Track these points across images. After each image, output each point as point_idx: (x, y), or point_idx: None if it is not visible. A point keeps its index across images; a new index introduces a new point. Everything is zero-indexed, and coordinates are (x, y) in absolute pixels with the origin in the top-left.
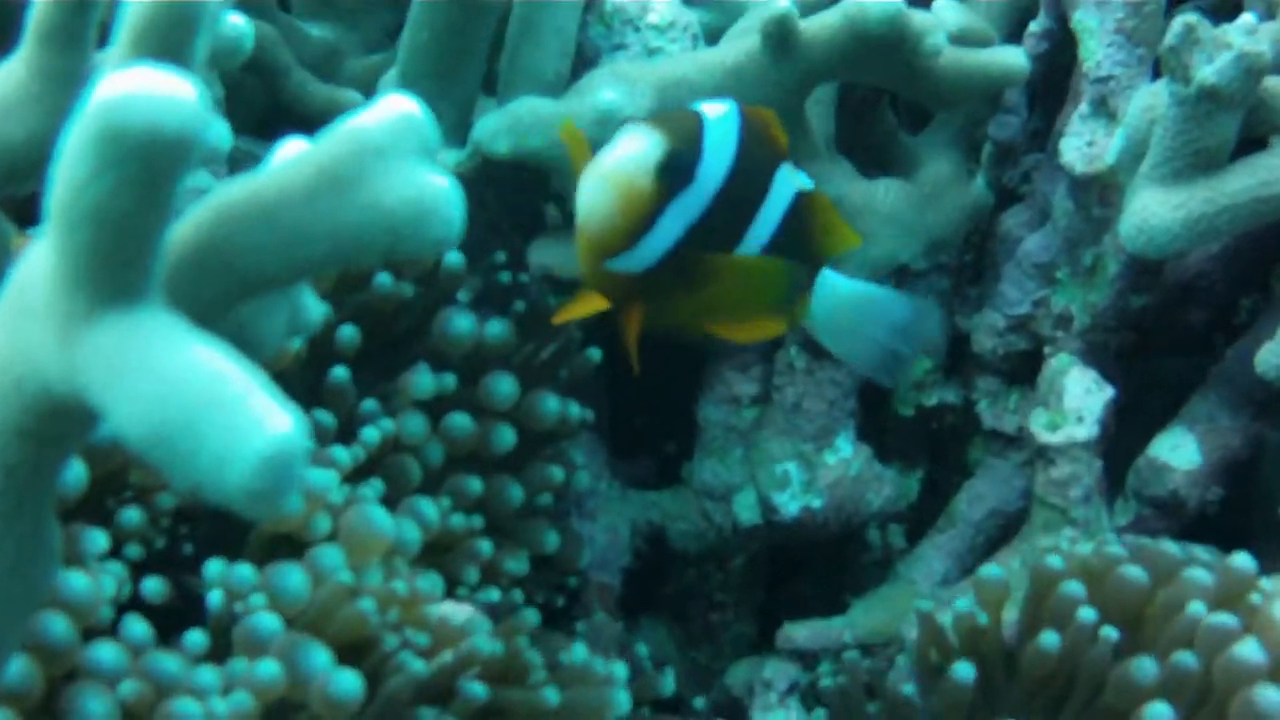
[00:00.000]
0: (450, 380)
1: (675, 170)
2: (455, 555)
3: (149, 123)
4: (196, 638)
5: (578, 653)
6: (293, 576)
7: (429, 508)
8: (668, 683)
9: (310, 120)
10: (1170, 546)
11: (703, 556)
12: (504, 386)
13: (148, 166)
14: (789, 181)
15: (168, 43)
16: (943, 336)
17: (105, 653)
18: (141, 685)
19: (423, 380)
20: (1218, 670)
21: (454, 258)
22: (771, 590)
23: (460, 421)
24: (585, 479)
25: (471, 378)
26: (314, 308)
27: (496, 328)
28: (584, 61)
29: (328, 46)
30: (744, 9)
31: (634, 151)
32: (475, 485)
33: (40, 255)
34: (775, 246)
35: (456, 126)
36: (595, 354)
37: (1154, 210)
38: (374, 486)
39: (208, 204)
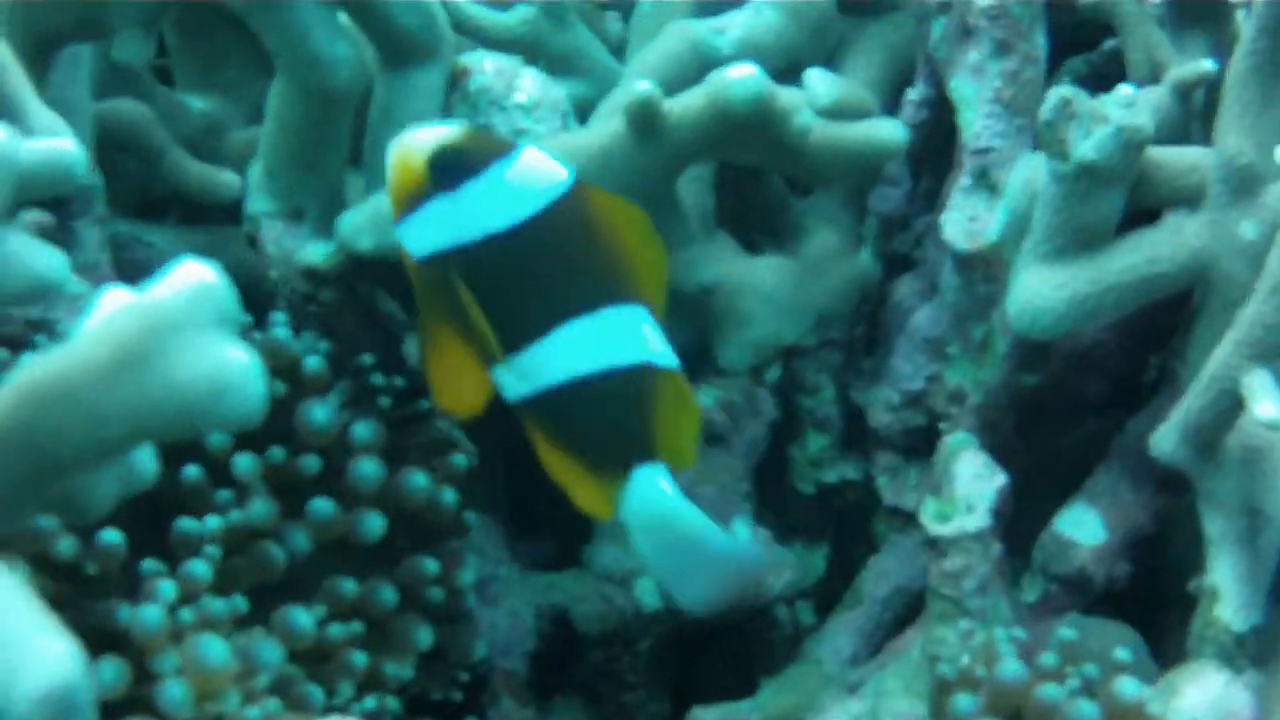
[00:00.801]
0: (313, 463)
1: (442, 167)
2: (330, 667)
3: None
4: None
5: None
6: None
7: (302, 617)
8: None
9: (189, 200)
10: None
11: (609, 638)
12: (367, 468)
13: None
14: (637, 331)
15: None
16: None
17: None
18: None
19: (243, 460)
20: None
21: (314, 360)
22: (683, 666)
23: (322, 506)
24: (469, 576)
25: (338, 472)
26: (148, 465)
27: (363, 429)
28: None
29: (209, 119)
30: (615, 79)
31: (426, 135)
32: (349, 586)
33: None
34: (591, 390)
35: (322, 218)
36: (461, 460)
37: (1038, 290)
38: (234, 601)
39: (12, 384)
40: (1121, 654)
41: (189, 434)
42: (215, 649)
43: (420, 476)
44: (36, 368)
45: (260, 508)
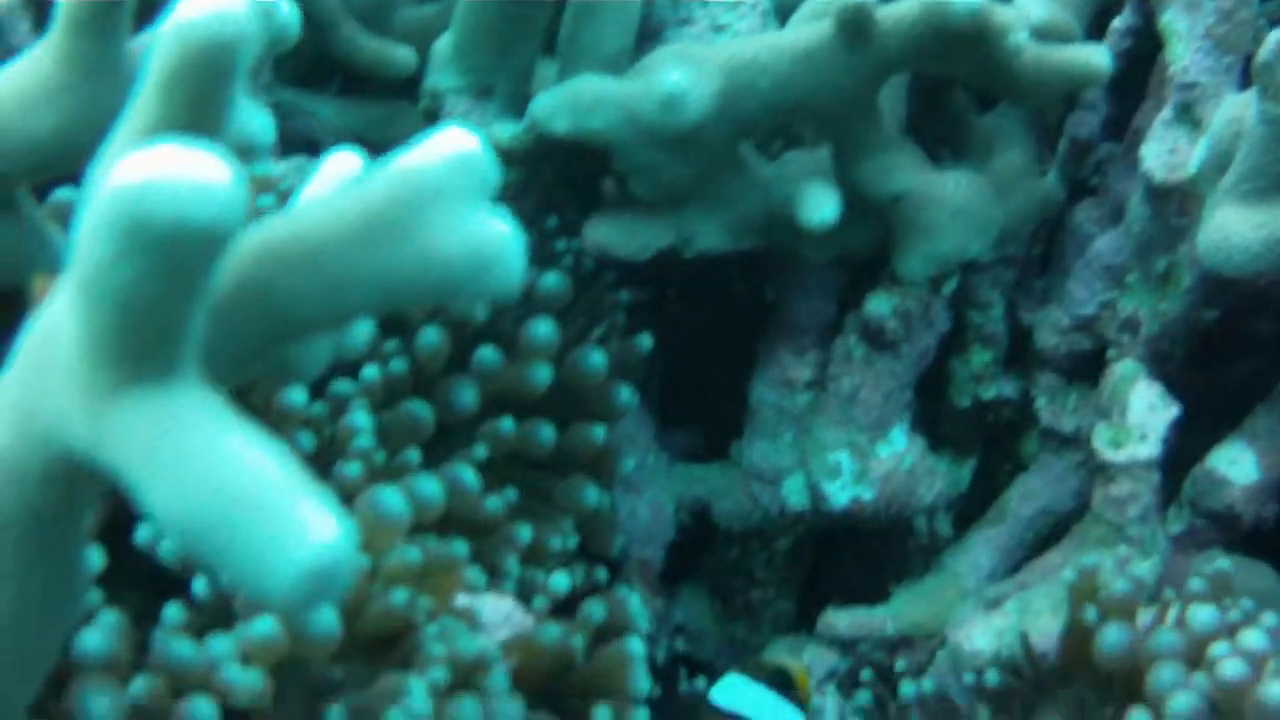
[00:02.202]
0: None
1: None
2: (495, 541)
3: (175, 215)
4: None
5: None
6: None
7: (467, 474)
8: None
9: (359, 74)
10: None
11: (747, 535)
12: (542, 328)
13: (174, 259)
14: None
15: (201, 94)
16: None
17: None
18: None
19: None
20: None
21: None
22: (814, 567)
23: (489, 355)
24: (629, 464)
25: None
26: (362, 330)
27: (551, 279)
28: (648, 34)
29: None
30: None
31: None
32: (508, 425)
33: (64, 313)
34: None
35: (513, 98)
36: (646, 341)
37: (1235, 228)
38: (406, 455)
39: (249, 243)
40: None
41: (441, 303)
42: (391, 497)
43: (598, 355)
44: (279, 227)
45: (430, 336)
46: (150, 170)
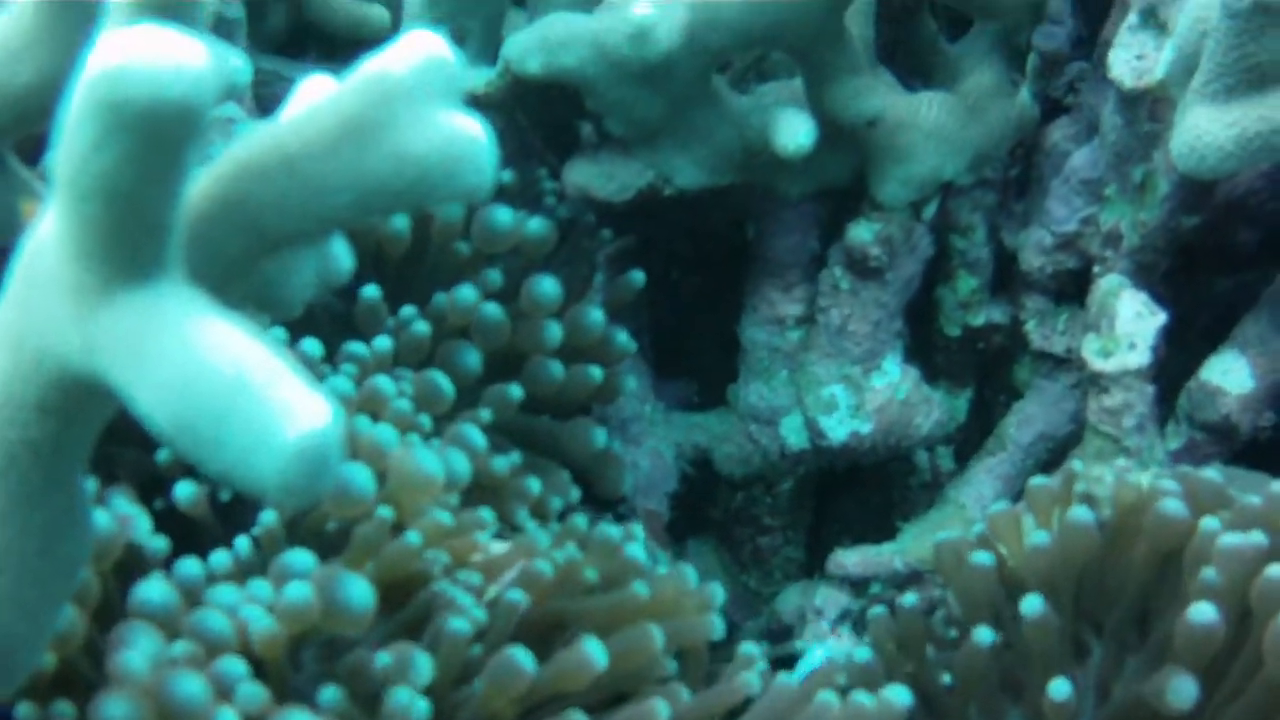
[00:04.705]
0: (495, 278)
1: None
2: (502, 496)
3: (151, 94)
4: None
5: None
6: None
7: (474, 434)
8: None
9: (336, 38)
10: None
11: (749, 480)
12: (546, 286)
13: (152, 139)
14: None
15: None
16: None
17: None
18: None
19: (465, 292)
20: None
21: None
22: (819, 512)
23: (492, 311)
24: (631, 389)
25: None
26: (344, 257)
27: (537, 225)
28: None
29: None
30: None
31: None
32: (515, 391)
33: (50, 225)
34: None
35: (485, 44)
36: (639, 277)
37: (1206, 128)
38: (419, 419)
39: (227, 157)
40: None
41: (416, 207)
42: (427, 456)
43: (597, 313)
44: (255, 141)
45: (466, 293)
46: (126, 52)
